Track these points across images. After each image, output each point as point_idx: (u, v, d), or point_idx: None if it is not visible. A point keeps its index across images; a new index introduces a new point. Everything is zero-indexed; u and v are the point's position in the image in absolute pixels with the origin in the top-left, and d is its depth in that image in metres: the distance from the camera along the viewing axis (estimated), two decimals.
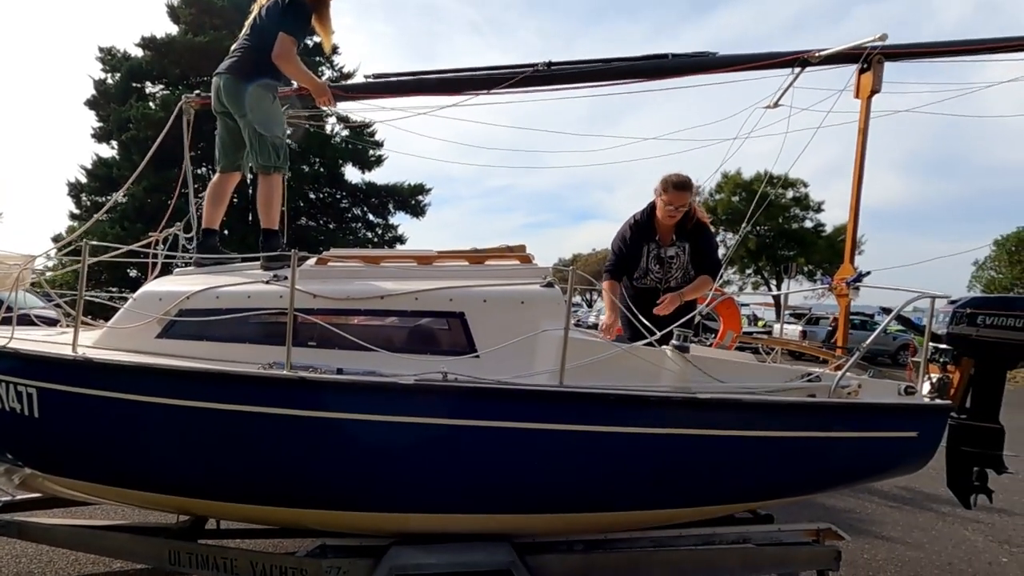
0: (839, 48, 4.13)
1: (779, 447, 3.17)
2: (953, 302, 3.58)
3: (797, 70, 4.17)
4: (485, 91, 4.28)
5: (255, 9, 3.90)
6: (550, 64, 4.24)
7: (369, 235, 24.06)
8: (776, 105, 4.28)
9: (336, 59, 23.15)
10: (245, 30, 3.90)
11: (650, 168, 4.08)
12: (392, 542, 3.09)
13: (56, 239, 20.81)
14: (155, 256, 4.01)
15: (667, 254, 3.94)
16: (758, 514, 3.89)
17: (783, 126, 4.24)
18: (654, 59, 4.24)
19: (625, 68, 4.25)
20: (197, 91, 4.47)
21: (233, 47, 3.92)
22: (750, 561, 3.53)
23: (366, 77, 4.51)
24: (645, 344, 3.16)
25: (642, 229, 3.98)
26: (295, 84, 4.25)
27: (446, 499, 3.03)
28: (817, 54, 4.11)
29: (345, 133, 20.73)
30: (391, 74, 4.46)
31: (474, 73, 4.37)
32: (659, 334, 3.15)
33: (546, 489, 3.04)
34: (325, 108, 4.22)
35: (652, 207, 3.98)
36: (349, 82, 4.46)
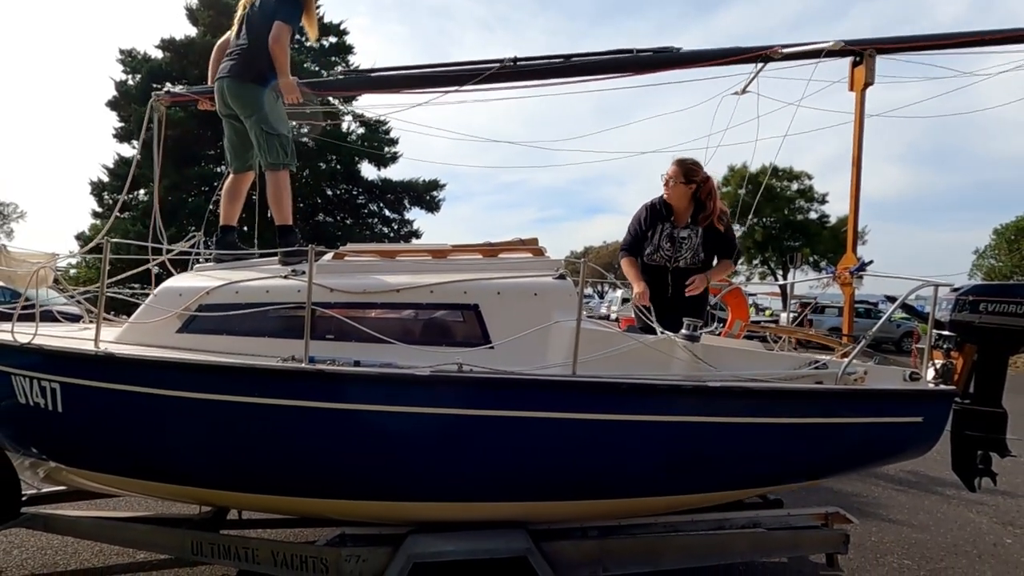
0: (802, 47, 4.14)
1: (788, 433, 3.14)
2: (956, 290, 3.54)
3: (760, 64, 4.15)
4: (455, 88, 4.22)
5: (242, 9, 3.88)
6: (516, 60, 4.19)
7: (385, 230, 24.08)
8: (744, 91, 4.27)
9: (352, 59, 23.11)
10: (238, 28, 3.88)
11: (663, 162, 4.03)
12: (410, 530, 3.06)
13: (79, 237, 20.91)
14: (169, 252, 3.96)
15: (679, 235, 3.91)
16: (768, 499, 3.86)
17: (778, 118, 4.24)
18: (617, 54, 4.19)
19: (587, 64, 4.20)
20: (167, 89, 4.37)
21: (229, 49, 3.88)
22: (761, 545, 3.50)
23: (339, 74, 4.46)
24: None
25: (658, 210, 3.99)
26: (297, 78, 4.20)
27: (463, 488, 3.00)
28: (780, 50, 4.08)
29: (361, 131, 20.69)
30: (361, 71, 4.43)
31: (443, 70, 4.30)
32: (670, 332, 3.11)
33: (561, 477, 3.01)
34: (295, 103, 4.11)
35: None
36: (320, 79, 4.38)
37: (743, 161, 31.03)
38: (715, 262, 4.00)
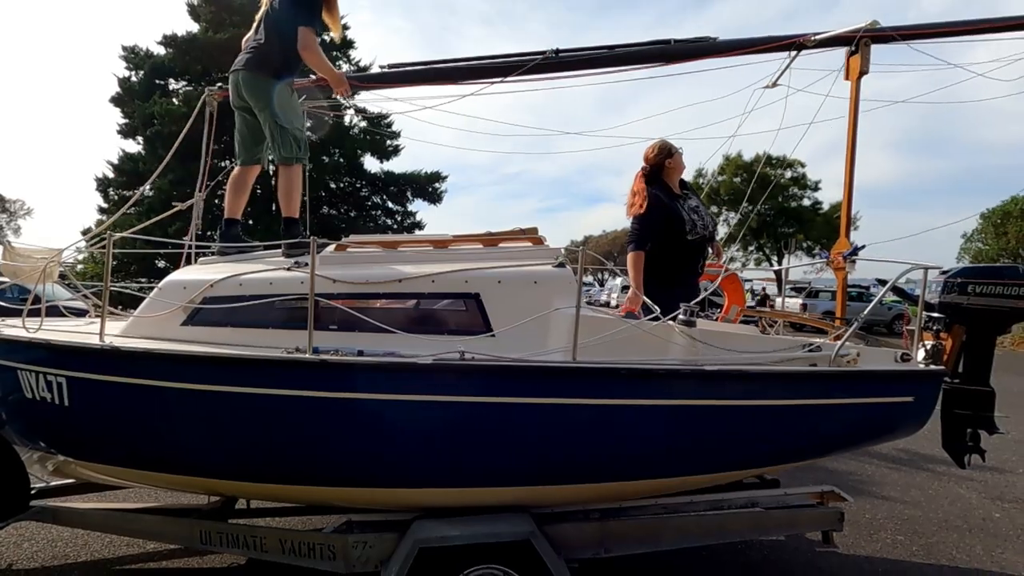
0: (832, 32, 4.08)
1: (783, 414, 3.14)
2: (944, 272, 3.56)
3: (794, 53, 4.10)
4: (499, 79, 4.19)
5: (265, 3, 3.81)
6: (558, 51, 4.16)
7: (388, 222, 24.05)
8: (775, 85, 4.22)
9: (353, 53, 22.97)
10: (257, 24, 3.82)
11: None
12: (415, 516, 3.04)
13: (85, 232, 20.73)
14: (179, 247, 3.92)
15: (692, 204, 3.85)
16: (765, 479, 3.86)
17: (779, 107, 4.19)
18: (657, 44, 4.15)
19: (629, 54, 4.18)
20: (219, 84, 4.33)
21: (246, 42, 3.83)
22: (759, 524, 3.50)
23: (382, 67, 4.40)
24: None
25: (664, 191, 3.86)
26: (311, 76, 4.16)
27: (466, 474, 2.98)
28: (813, 38, 4.05)
29: (363, 124, 20.56)
30: (406, 64, 4.37)
31: (486, 62, 4.29)
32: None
33: (562, 461, 2.99)
34: (342, 98, 4.12)
35: (654, 173, 3.91)
36: (365, 74, 4.37)
37: (738, 150, 31.17)
38: None
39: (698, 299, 3.36)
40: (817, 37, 4.05)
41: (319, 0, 3.76)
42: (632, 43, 4.21)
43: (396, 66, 4.36)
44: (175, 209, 4.19)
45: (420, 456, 2.92)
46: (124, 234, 3.37)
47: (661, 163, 3.89)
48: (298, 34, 3.63)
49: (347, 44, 22.97)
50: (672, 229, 3.76)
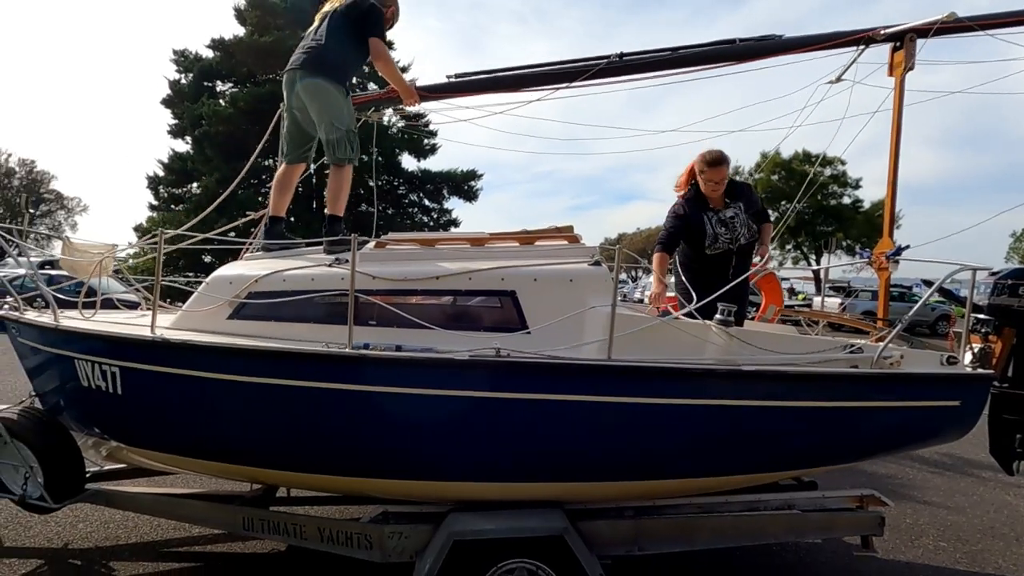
0: (906, 25, 3.90)
1: (822, 417, 3.05)
2: (994, 274, 3.44)
3: (862, 47, 3.97)
4: (565, 84, 4.18)
5: (326, 8, 3.88)
6: (622, 55, 4.12)
7: (425, 219, 24.20)
8: (839, 80, 4.09)
9: (393, 54, 23.15)
10: (317, 28, 3.85)
11: (696, 149, 3.92)
12: (450, 509, 3.06)
13: (137, 229, 21.42)
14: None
15: (727, 216, 3.78)
16: (802, 481, 3.77)
17: (825, 103, 4.06)
18: (722, 44, 4.07)
19: (695, 55, 4.10)
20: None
21: (304, 44, 3.85)
22: (795, 527, 3.42)
23: (448, 77, 4.43)
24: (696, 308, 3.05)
25: (695, 202, 3.85)
26: (370, 87, 4.23)
27: (501, 469, 2.98)
28: (882, 31, 3.90)
29: (402, 124, 20.75)
30: (472, 73, 4.38)
31: (552, 68, 4.27)
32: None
33: (597, 458, 2.97)
34: (411, 108, 4.21)
35: (695, 188, 3.85)
36: (431, 83, 4.39)
37: (774, 148, 30.47)
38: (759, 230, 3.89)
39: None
40: (887, 31, 3.90)
41: (382, 14, 3.87)
42: (697, 44, 4.13)
43: (462, 75, 4.39)
44: (248, 218, 4.31)
45: (456, 450, 2.93)
46: (175, 231, 3.46)
47: (695, 180, 3.87)
48: (370, 45, 3.76)
49: (388, 44, 23.21)
50: (693, 240, 3.84)
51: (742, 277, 3.47)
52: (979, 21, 3.87)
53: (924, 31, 3.86)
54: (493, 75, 4.35)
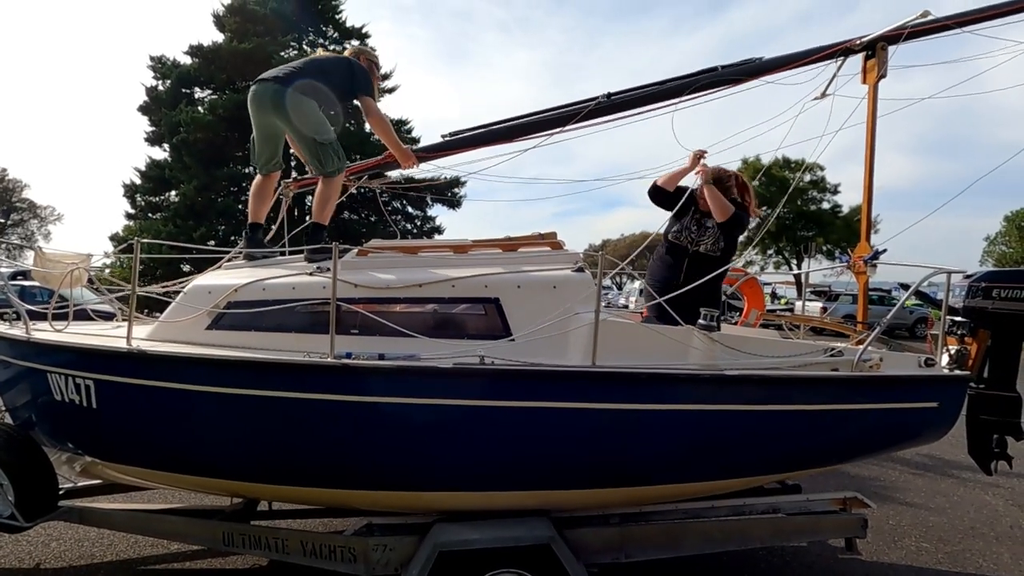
0: (879, 32, 3.95)
1: (805, 420, 3.08)
2: (968, 276, 3.48)
3: (841, 59, 4.03)
4: (556, 130, 4.22)
5: (315, 54, 4.01)
6: (610, 95, 4.15)
7: (408, 227, 23.99)
8: (824, 95, 4.14)
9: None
10: (304, 60, 3.89)
11: (676, 156, 3.95)
12: (436, 519, 3.03)
13: (113, 238, 21.00)
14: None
15: (707, 223, 3.78)
16: (786, 484, 3.79)
17: (801, 114, 4.11)
18: (706, 73, 4.11)
19: (681, 86, 4.11)
20: (295, 176, 4.42)
21: (290, 64, 3.82)
22: (780, 530, 3.44)
23: (442, 136, 4.47)
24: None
25: (694, 197, 3.84)
26: (367, 159, 4.27)
27: (487, 477, 2.96)
28: (858, 42, 3.96)
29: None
30: (465, 131, 4.43)
31: (542, 116, 4.31)
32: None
33: (582, 465, 2.97)
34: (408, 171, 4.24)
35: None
36: (430, 144, 4.38)
37: (756, 154, 30.87)
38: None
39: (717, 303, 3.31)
40: (863, 40, 3.95)
41: (368, 75, 3.94)
42: (681, 76, 4.13)
43: (456, 134, 4.44)
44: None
45: (439, 459, 2.90)
46: (151, 241, 3.40)
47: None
48: (361, 103, 3.82)
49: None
50: (674, 216, 3.85)
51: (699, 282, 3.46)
52: (955, 19, 3.93)
53: (896, 36, 3.92)
54: (488, 129, 4.39)
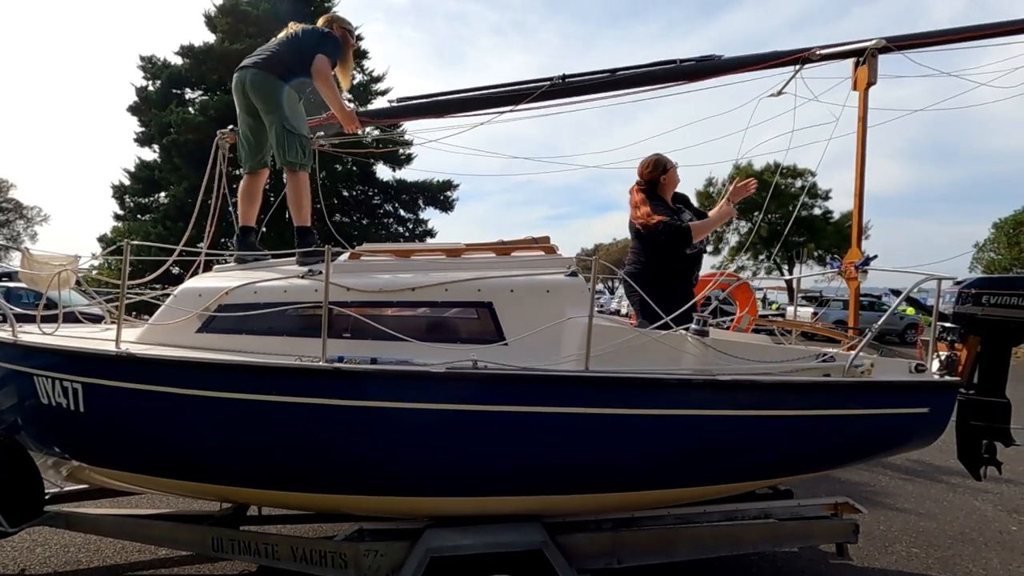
0: (837, 48, 4.04)
1: (797, 425, 3.09)
2: (959, 283, 3.51)
3: (798, 66, 4.07)
4: (508, 108, 4.18)
5: (290, 28, 3.89)
6: (564, 77, 4.15)
7: (400, 230, 23.89)
8: (780, 94, 4.18)
9: (366, 63, 22.97)
10: (280, 38, 3.85)
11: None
12: (427, 525, 3.02)
13: (102, 239, 20.81)
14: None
15: (687, 219, 3.80)
16: (778, 490, 3.80)
17: (789, 117, 4.15)
18: (663, 65, 4.13)
19: (636, 76, 4.13)
20: (231, 126, 4.34)
21: (263, 47, 3.83)
22: (772, 535, 3.44)
23: (390, 102, 4.42)
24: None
25: (663, 204, 3.82)
26: (323, 114, 4.21)
27: (479, 482, 2.95)
28: (817, 52, 4.01)
29: (376, 133, 20.70)
30: (415, 97, 4.37)
31: (494, 91, 4.27)
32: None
33: (575, 470, 2.96)
34: (353, 133, 4.16)
35: (650, 187, 3.86)
36: (373, 106, 4.30)
37: (748, 160, 31.09)
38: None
39: (710, 308, 3.32)
40: (822, 51, 4.01)
41: (339, 44, 3.88)
42: (638, 65, 4.16)
43: (405, 100, 4.38)
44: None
45: (432, 464, 2.89)
46: (141, 243, 3.37)
47: (656, 179, 3.86)
48: (315, 60, 3.70)
49: (361, 54, 23.08)
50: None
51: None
52: (914, 39, 4.01)
53: (857, 52, 3.98)
54: (435, 99, 4.33)
